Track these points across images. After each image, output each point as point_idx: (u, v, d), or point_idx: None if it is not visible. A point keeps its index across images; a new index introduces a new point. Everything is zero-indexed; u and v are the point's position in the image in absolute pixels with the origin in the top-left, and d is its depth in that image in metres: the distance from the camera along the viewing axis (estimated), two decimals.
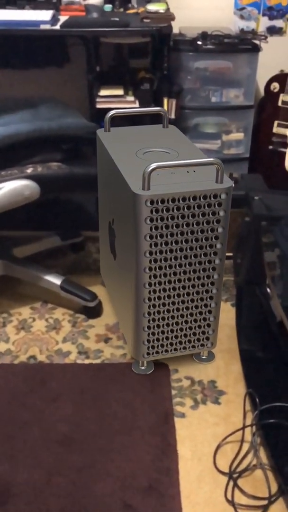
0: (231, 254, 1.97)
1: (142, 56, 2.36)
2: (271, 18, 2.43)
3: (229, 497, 1.17)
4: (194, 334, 1.42)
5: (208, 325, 1.42)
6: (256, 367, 1.50)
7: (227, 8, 2.42)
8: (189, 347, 1.44)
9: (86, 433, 1.30)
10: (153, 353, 1.42)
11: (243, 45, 2.26)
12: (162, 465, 1.23)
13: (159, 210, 1.21)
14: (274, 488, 1.19)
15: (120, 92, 2.21)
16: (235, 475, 1.21)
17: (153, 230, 1.22)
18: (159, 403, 1.39)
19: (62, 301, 1.74)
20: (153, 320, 1.36)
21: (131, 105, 2.21)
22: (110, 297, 1.71)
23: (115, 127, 1.64)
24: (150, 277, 1.30)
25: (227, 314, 1.74)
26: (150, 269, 1.29)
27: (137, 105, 2.20)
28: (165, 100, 2.16)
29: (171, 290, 1.34)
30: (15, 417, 1.34)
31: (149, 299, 1.33)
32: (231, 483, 1.20)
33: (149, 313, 1.34)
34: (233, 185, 2.02)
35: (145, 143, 1.49)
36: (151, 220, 1.22)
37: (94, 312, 1.70)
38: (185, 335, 1.42)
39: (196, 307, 1.38)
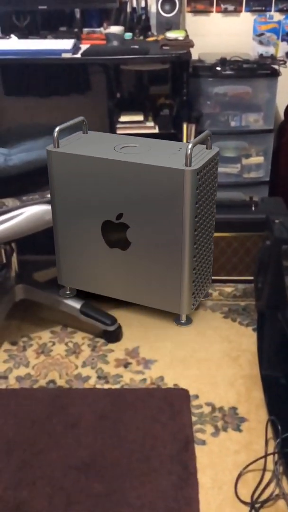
0: (251, 278, 1.96)
1: (161, 83, 2.38)
2: None
3: None
4: (206, 273, 1.48)
5: (210, 262, 1.50)
6: (278, 393, 1.47)
7: (245, 34, 2.44)
8: (205, 288, 1.49)
9: (105, 460, 1.29)
10: (195, 302, 1.47)
11: (262, 70, 2.27)
12: (182, 493, 1.20)
13: (200, 179, 1.31)
14: None
15: (140, 118, 2.23)
16: (257, 505, 1.18)
17: (198, 196, 1.32)
18: (180, 430, 1.37)
19: (82, 325, 1.74)
20: (196, 273, 1.42)
21: (151, 130, 2.23)
22: (110, 293, 1.63)
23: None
24: (196, 236, 1.37)
25: (249, 339, 1.72)
26: (196, 229, 1.36)
27: (156, 130, 2.22)
28: (185, 125, 2.17)
29: (204, 239, 1.41)
30: (35, 443, 1.33)
31: (194, 256, 1.39)
32: None
33: (194, 268, 1.40)
34: (253, 209, 2.03)
35: (105, 143, 1.53)
36: (197, 188, 1.31)
37: (113, 336, 1.70)
38: (204, 277, 1.48)
39: (208, 248, 1.46)
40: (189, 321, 1.52)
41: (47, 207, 1.57)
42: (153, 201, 1.42)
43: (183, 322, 1.48)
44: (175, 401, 1.45)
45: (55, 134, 1.53)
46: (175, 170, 1.36)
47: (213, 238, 1.48)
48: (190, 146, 1.35)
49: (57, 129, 1.50)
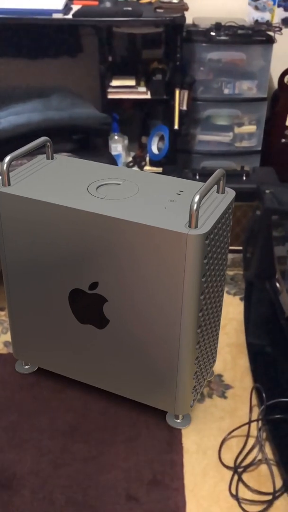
0: (240, 248, 1.96)
1: (154, 47, 2.34)
2: (286, 9, 2.40)
3: (234, 491, 1.17)
4: (212, 357, 1.31)
5: (216, 341, 1.32)
6: (264, 361, 1.49)
7: None
8: (209, 373, 1.36)
9: (92, 424, 1.31)
10: (195, 399, 1.28)
11: (257, 36, 2.23)
12: (167, 457, 1.23)
13: (209, 244, 1.05)
14: (279, 483, 1.18)
15: (132, 82, 2.20)
16: (240, 470, 1.21)
17: (206, 266, 1.07)
18: None
19: None
20: (198, 362, 1.21)
21: (143, 95, 2.20)
22: (80, 377, 1.36)
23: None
24: (200, 318, 1.12)
25: (236, 308, 1.74)
26: (201, 310, 1.11)
27: (148, 95, 2.19)
28: (177, 91, 2.14)
29: (208, 320, 1.20)
30: (22, 407, 1.35)
31: (198, 342, 1.16)
32: (236, 478, 1.19)
33: (197, 357, 1.18)
34: (245, 178, 2.02)
35: (74, 179, 1.20)
36: (205, 257, 1.05)
37: None
38: (209, 362, 1.31)
39: (214, 327, 1.26)
40: (186, 420, 1.31)
41: None
42: (141, 270, 1.07)
43: (178, 421, 1.36)
44: None
45: (4, 167, 1.11)
46: (174, 234, 1.00)
47: (222, 304, 1.20)
48: (196, 198, 0.99)
49: (6, 159, 1.08)
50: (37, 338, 1.34)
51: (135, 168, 2.35)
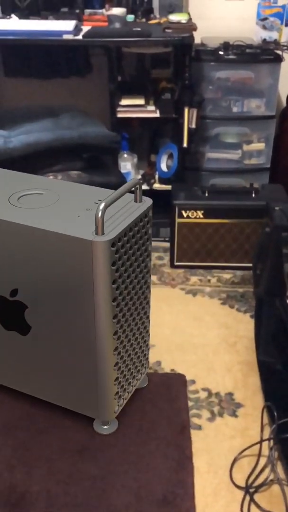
0: (250, 264, 1.96)
1: (163, 66, 2.36)
2: None
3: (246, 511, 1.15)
4: (140, 360, 1.32)
5: (147, 345, 1.33)
6: (275, 379, 1.48)
7: (249, 18, 2.41)
8: (137, 377, 1.35)
9: (102, 443, 1.30)
10: (120, 404, 1.29)
11: (265, 55, 2.25)
12: (178, 477, 1.21)
13: (118, 250, 1.09)
14: None
15: (141, 101, 2.22)
16: (251, 490, 1.19)
17: (116, 273, 1.10)
18: (176, 414, 1.37)
19: None
20: (119, 368, 1.23)
21: (152, 114, 2.21)
22: (12, 384, 1.38)
23: None
24: (115, 324, 1.16)
25: (246, 325, 1.73)
26: (115, 316, 1.14)
27: (157, 114, 2.21)
28: (186, 110, 2.16)
29: (127, 327, 1.22)
30: (32, 425, 1.34)
31: (116, 349, 1.19)
32: (248, 498, 1.18)
33: (116, 364, 1.21)
34: (254, 195, 2.02)
35: (2, 188, 1.25)
36: (113, 264, 1.09)
37: None
38: (135, 367, 1.31)
39: (140, 332, 1.29)
40: (113, 426, 1.27)
41: None
42: (55, 277, 1.11)
43: (104, 427, 1.29)
44: (172, 386, 1.46)
45: None
46: (80, 241, 1.04)
47: (149, 312, 1.25)
48: (101, 206, 1.02)
49: None
50: None
51: (144, 187, 2.36)
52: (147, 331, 1.34)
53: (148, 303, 1.30)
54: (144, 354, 1.37)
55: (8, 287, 1.19)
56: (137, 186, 1.17)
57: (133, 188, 1.17)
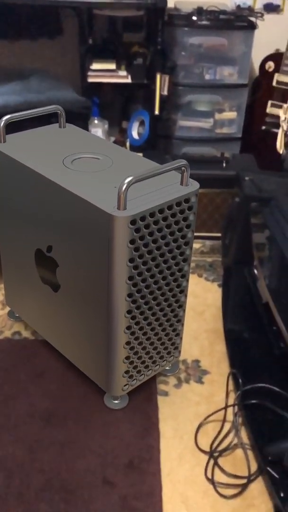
0: (219, 234, 1.97)
1: (136, 30, 2.31)
2: None
3: (209, 475, 1.18)
4: (166, 348, 1.32)
5: (177, 334, 1.32)
6: (241, 347, 1.51)
7: None
8: (161, 363, 1.34)
9: (69, 409, 1.31)
10: (130, 383, 1.29)
11: (239, 22, 2.22)
12: (144, 443, 1.23)
13: (140, 229, 1.05)
14: (254, 467, 1.20)
15: (112, 66, 2.17)
16: (215, 454, 1.22)
17: (134, 252, 1.07)
18: (143, 381, 1.39)
19: None
20: (132, 348, 1.23)
21: (123, 80, 2.17)
22: (45, 335, 1.45)
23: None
24: (130, 303, 1.14)
25: (214, 294, 1.75)
26: (130, 295, 1.13)
27: (129, 80, 2.17)
28: (158, 76, 2.13)
29: (147, 311, 1.20)
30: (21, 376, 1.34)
31: (128, 328, 1.18)
32: (212, 462, 1.21)
33: (128, 343, 1.20)
34: (224, 165, 2.02)
35: (62, 149, 1.29)
36: (132, 242, 1.05)
37: None
38: (158, 352, 1.31)
39: (168, 320, 1.27)
40: (123, 402, 1.29)
41: None
42: (82, 243, 1.13)
43: (115, 402, 1.29)
44: None
45: (1, 123, 1.25)
46: (101, 212, 1.03)
47: (184, 302, 1.22)
48: (126, 181, 1.00)
49: (4, 118, 1.22)
50: (18, 289, 1.45)
51: None
52: (179, 321, 1.29)
53: (182, 292, 1.24)
54: (172, 343, 1.34)
55: (45, 242, 1.24)
56: (184, 168, 1.11)
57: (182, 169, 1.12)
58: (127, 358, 1.23)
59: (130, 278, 1.11)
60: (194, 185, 1.14)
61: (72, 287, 1.23)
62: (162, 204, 1.07)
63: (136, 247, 1.07)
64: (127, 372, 1.26)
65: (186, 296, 1.27)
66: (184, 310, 1.30)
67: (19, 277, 1.41)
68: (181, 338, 1.35)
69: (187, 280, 1.25)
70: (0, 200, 1.34)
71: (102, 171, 1.17)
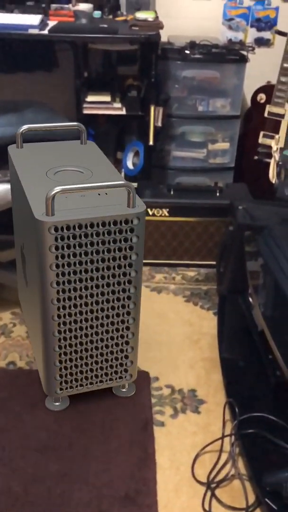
0: (214, 262, 1.98)
1: (130, 64, 2.36)
2: (259, 29, 2.45)
3: (207, 507, 1.16)
4: (111, 366, 1.34)
5: (126, 357, 1.33)
6: (237, 376, 1.50)
7: (215, 18, 2.43)
8: (106, 381, 1.35)
9: (65, 441, 1.29)
10: (66, 388, 1.32)
11: (231, 55, 2.28)
12: (140, 474, 1.22)
13: (65, 238, 1.12)
14: (252, 498, 1.18)
15: (107, 98, 2.21)
16: (213, 485, 1.21)
17: (59, 259, 1.13)
18: (139, 411, 1.38)
19: None
20: (65, 354, 1.26)
21: (118, 111, 2.21)
22: (27, 327, 1.53)
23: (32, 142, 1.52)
24: (58, 308, 1.19)
25: (209, 322, 1.75)
26: (58, 300, 1.18)
27: (124, 111, 2.21)
28: (152, 108, 2.16)
29: (83, 321, 1.24)
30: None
31: (59, 332, 1.23)
32: (209, 493, 1.19)
33: (59, 347, 1.25)
34: (218, 194, 2.04)
35: (59, 161, 1.38)
36: (56, 248, 1.12)
37: None
38: (101, 368, 1.33)
39: (112, 338, 1.29)
40: (64, 404, 1.33)
41: (8, 186, 1.54)
42: (29, 243, 1.24)
43: (55, 404, 1.34)
44: (136, 382, 1.46)
45: (20, 131, 1.42)
46: (32, 216, 1.13)
47: (135, 312, 1.25)
48: (54, 191, 1.10)
49: (24, 127, 1.39)
50: (20, 284, 1.59)
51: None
52: (128, 329, 1.31)
53: (129, 314, 1.28)
54: (120, 363, 1.34)
55: (22, 240, 1.37)
56: (129, 189, 1.16)
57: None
58: (60, 362, 1.27)
59: (57, 283, 1.16)
60: (138, 208, 1.17)
61: (30, 285, 1.32)
62: (93, 219, 1.12)
63: (61, 254, 1.13)
64: (61, 376, 1.29)
65: (135, 319, 1.30)
66: (133, 333, 1.31)
67: (19, 272, 1.53)
68: (132, 362, 1.36)
69: (135, 303, 1.28)
70: (12, 196, 1.48)
71: (78, 182, 1.26)
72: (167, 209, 2.00)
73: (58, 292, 1.18)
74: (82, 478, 1.20)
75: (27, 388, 1.43)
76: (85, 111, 2.18)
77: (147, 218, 2.02)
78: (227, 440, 1.32)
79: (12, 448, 1.26)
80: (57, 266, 1.15)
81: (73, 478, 1.20)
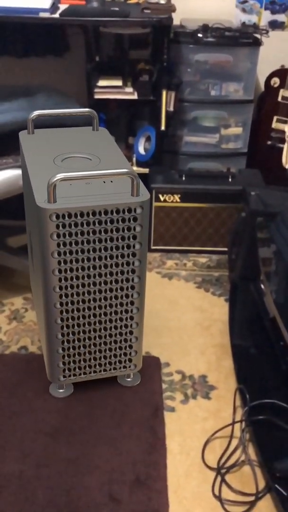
0: (226, 249, 1.97)
1: (142, 47, 2.33)
2: (273, 12, 2.41)
3: (217, 492, 1.17)
4: (115, 356, 1.34)
5: (130, 346, 1.33)
6: (248, 362, 1.50)
7: (229, 0, 2.39)
8: (110, 369, 1.35)
9: (75, 425, 1.30)
10: (69, 376, 1.33)
11: (244, 38, 2.24)
12: (150, 459, 1.23)
13: (66, 225, 1.11)
14: (262, 484, 1.19)
15: (119, 83, 2.19)
16: (223, 471, 1.21)
17: (61, 246, 1.13)
18: (150, 397, 1.38)
19: None
20: (68, 341, 1.26)
21: (129, 96, 2.19)
22: (36, 312, 1.54)
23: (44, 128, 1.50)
24: (60, 296, 1.19)
25: (221, 309, 1.74)
26: (60, 288, 1.18)
27: (135, 96, 2.19)
28: (164, 92, 2.14)
29: (86, 310, 1.24)
30: (5, 408, 1.34)
31: (61, 320, 1.22)
32: (219, 479, 1.20)
33: (62, 335, 1.25)
34: (230, 180, 2.02)
35: (69, 148, 1.37)
36: (58, 235, 1.12)
37: None
38: (105, 357, 1.33)
39: (115, 327, 1.29)
40: (68, 390, 1.34)
41: (20, 172, 1.54)
42: (34, 230, 1.23)
43: (60, 391, 1.35)
44: (146, 368, 1.46)
45: (31, 117, 1.39)
46: (36, 204, 1.12)
47: (139, 301, 1.24)
48: (56, 178, 1.08)
49: (35, 112, 1.38)
50: (32, 270, 1.54)
51: None
52: (132, 319, 1.31)
53: (133, 304, 1.28)
54: (129, 345, 1.34)
55: (30, 226, 1.37)
56: (132, 178, 1.14)
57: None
58: (63, 349, 1.27)
59: (59, 271, 1.16)
60: (142, 196, 1.15)
61: (36, 272, 1.31)
62: (95, 207, 1.10)
63: (63, 242, 1.12)
64: (64, 363, 1.29)
65: (139, 309, 1.29)
66: (137, 323, 1.30)
67: (30, 258, 1.52)
68: (136, 352, 1.36)
69: (138, 293, 1.26)
70: (23, 182, 1.47)
71: (84, 169, 1.24)
72: (179, 195, 1.99)
73: (60, 279, 1.18)
74: (93, 462, 1.21)
75: (38, 373, 1.44)
76: (96, 96, 2.16)
77: (159, 204, 2.01)
78: (237, 426, 1.32)
79: (23, 432, 1.28)
80: (59, 253, 1.15)
81: (83, 462, 1.21)
